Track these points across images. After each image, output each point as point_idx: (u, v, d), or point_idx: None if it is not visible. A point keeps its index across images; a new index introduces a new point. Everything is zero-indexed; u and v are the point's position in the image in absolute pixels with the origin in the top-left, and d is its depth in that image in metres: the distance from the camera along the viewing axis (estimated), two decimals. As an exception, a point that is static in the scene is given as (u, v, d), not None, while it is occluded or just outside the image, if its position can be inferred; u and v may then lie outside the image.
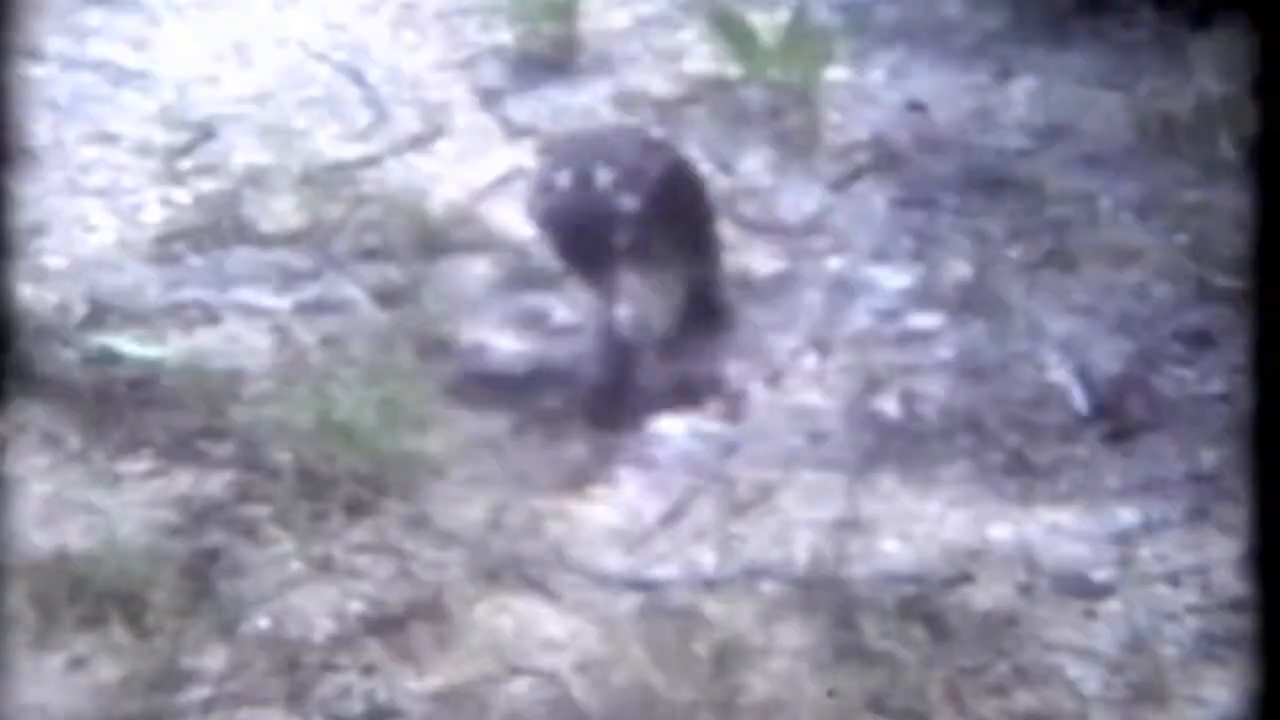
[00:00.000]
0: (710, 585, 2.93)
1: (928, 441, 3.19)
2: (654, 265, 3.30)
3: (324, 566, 2.99)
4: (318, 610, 2.92)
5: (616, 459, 3.21)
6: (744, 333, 3.48)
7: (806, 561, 2.95)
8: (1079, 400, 3.24)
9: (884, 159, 3.91)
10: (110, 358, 3.45)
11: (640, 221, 3.25)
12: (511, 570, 2.96)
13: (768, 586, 2.91)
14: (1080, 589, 2.88)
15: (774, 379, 3.36)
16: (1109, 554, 2.95)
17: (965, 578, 2.88)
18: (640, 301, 3.29)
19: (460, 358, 3.43)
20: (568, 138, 3.65)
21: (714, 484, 3.14)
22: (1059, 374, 3.31)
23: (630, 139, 3.47)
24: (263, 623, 2.90)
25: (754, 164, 3.92)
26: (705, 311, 3.43)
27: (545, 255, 3.45)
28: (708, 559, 2.99)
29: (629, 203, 3.24)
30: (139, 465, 3.21)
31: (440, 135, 4.08)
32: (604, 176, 3.24)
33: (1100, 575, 2.91)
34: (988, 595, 2.87)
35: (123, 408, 3.31)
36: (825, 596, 2.86)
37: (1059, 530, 2.99)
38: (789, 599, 2.88)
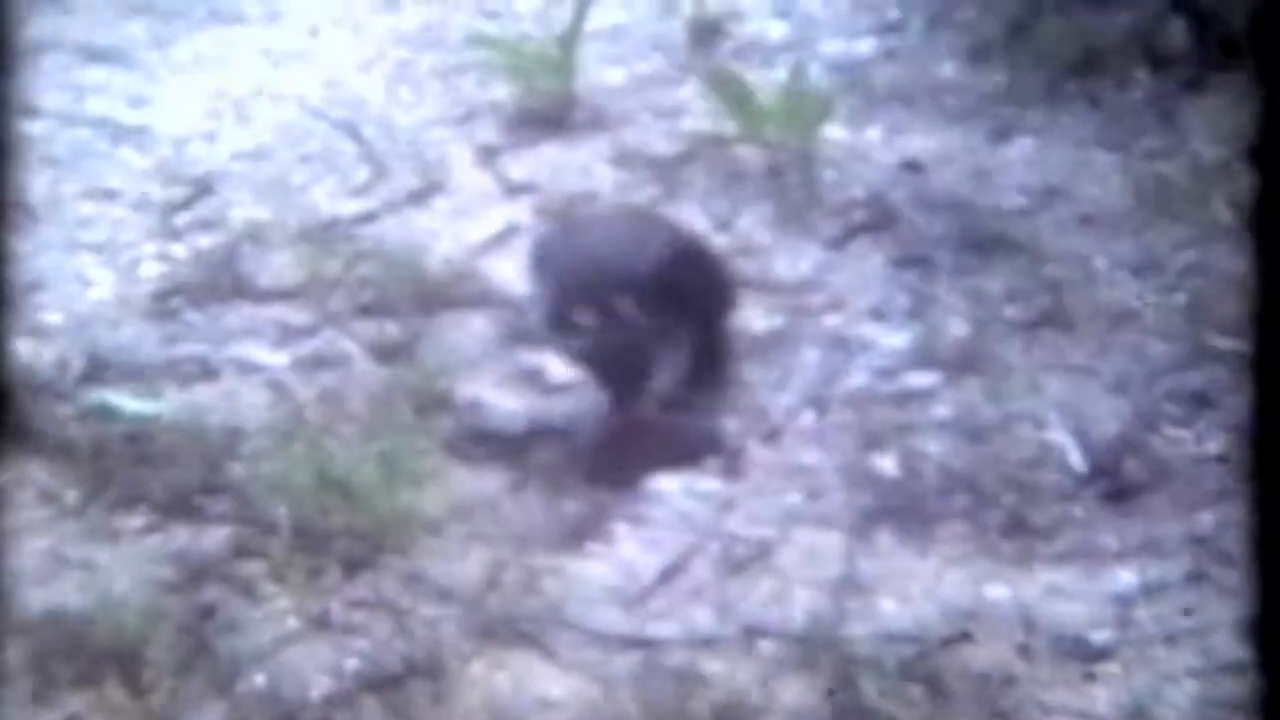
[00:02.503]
0: (709, 643, 2.92)
1: (926, 500, 3.20)
2: (667, 348, 3.33)
3: (321, 623, 2.99)
4: (314, 667, 2.91)
5: (613, 516, 3.21)
6: (741, 391, 3.48)
7: (805, 620, 2.95)
8: (1077, 460, 3.24)
9: (881, 218, 3.92)
10: (108, 413, 3.45)
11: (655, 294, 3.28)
12: (508, 627, 2.96)
13: (766, 645, 2.91)
14: (1079, 651, 2.87)
15: (771, 437, 3.37)
16: (1107, 615, 2.94)
17: (964, 637, 2.88)
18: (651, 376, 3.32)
19: (457, 414, 3.44)
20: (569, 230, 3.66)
21: (711, 541, 3.14)
22: (1057, 434, 3.31)
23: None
24: (259, 680, 2.89)
25: (751, 222, 3.94)
26: (708, 372, 3.44)
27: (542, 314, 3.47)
28: (705, 617, 2.98)
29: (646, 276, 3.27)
30: (136, 521, 3.21)
31: (438, 192, 4.10)
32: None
33: (1098, 637, 2.91)
34: (986, 656, 2.86)
35: (120, 463, 3.31)
36: (824, 656, 2.86)
37: (1057, 591, 2.99)
38: (788, 658, 2.88)
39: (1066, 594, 2.98)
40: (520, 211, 4.00)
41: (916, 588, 3.01)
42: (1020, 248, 3.79)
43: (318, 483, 3.22)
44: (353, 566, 3.08)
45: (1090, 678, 2.83)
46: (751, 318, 3.65)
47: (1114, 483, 3.19)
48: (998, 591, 3.00)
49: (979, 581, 3.02)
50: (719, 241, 3.83)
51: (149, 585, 3.06)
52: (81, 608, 2.98)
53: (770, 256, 3.84)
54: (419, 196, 4.07)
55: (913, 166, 4.09)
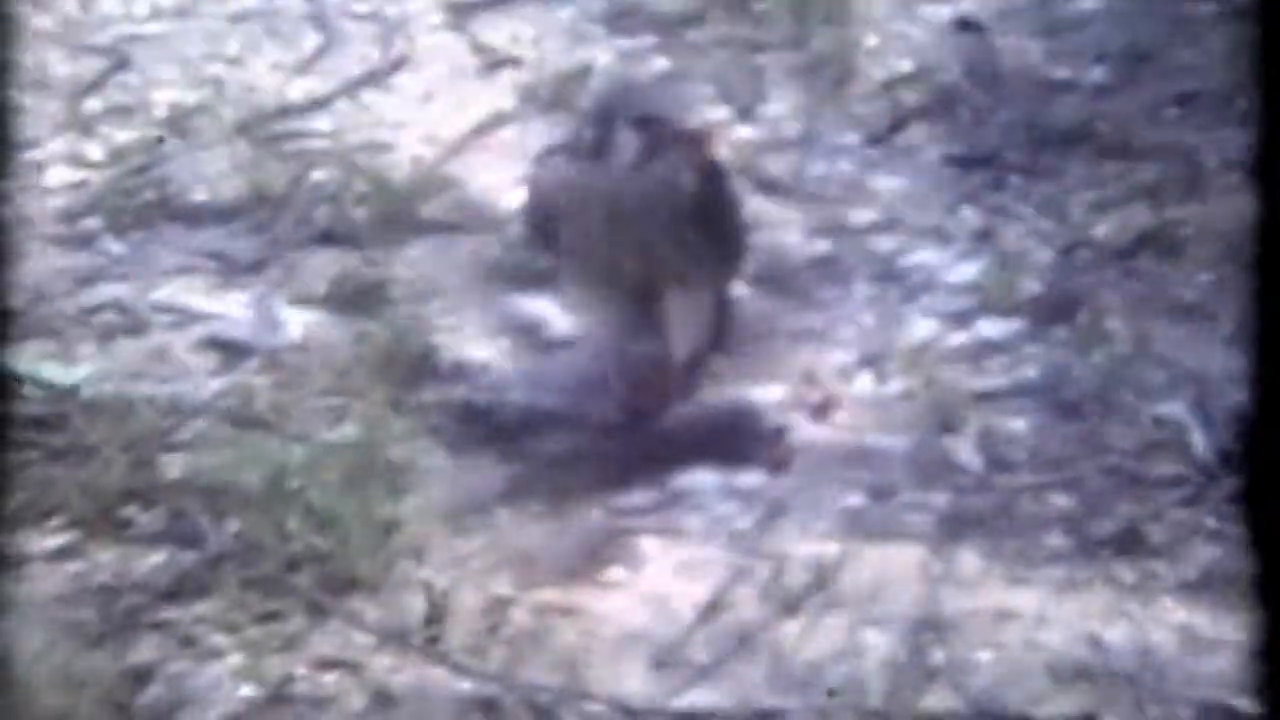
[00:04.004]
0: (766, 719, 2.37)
1: (1017, 503, 2.61)
2: (689, 279, 2.70)
3: (281, 695, 2.41)
4: (278, 760, 2.36)
5: (637, 528, 2.63)
6: (780, 345, 2.88)
7: (880, 683, 2.38)
8: (1199, 443, 2.66)
9: (933, 99, 3.29)
10: (11, 384, 2.83)
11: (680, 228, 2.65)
12: (515, 699, 2.39)
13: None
14: (1226, 724, 2.32)
15: (822, 410, 2.78)
16: (1257, 673, 2.39)
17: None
18: (677, 323, 2.70)
19: (440, 384, 2.83)
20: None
21: (758, 563, 2.56)
22: (1171, 406, 2.72)
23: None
24: (208, 783, 2.33)
25: (778, 108, 3.29)
26: (729, 327, 2.84)
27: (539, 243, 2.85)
28: (756, 677, 2.41)
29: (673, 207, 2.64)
30: (47, 541, 2.61)
31: (401, 67, 3.44)
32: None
33: (1243, 706, 2.34)
34: (1113, 739, 2.31)
35: (27, 459, 2.71)
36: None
37: (1193, 638, 2.42)
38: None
39: (1205, 642, 2.42)
40: (502, 94, 3.35)
41: (1015, 634, 2.45)
42: (1105, 140, 3.16)
43: (272, 489, 2.63)
44: (319, 611, 2.51)
45: (1246, 769, 2.30)
46: (786, 240, 3.04)
47: (1250, 475, 2.61)
48: (1118, 636, 2.44)
49: (1093, 621, 2.46)
50: (741, 134, 3.20)
51: (65, 637, 2.48)
52: (-20, 674, 2.42)
53: (802, 153, 3.21)
54: (379, 75, 3.42)
55: (968, 26, 3.43)
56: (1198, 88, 3.21)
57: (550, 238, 2.75)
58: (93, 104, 3.37)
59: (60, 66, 3.45)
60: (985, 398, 2.78)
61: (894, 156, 3.19)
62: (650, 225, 2.69)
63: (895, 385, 2.81)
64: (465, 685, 2.40)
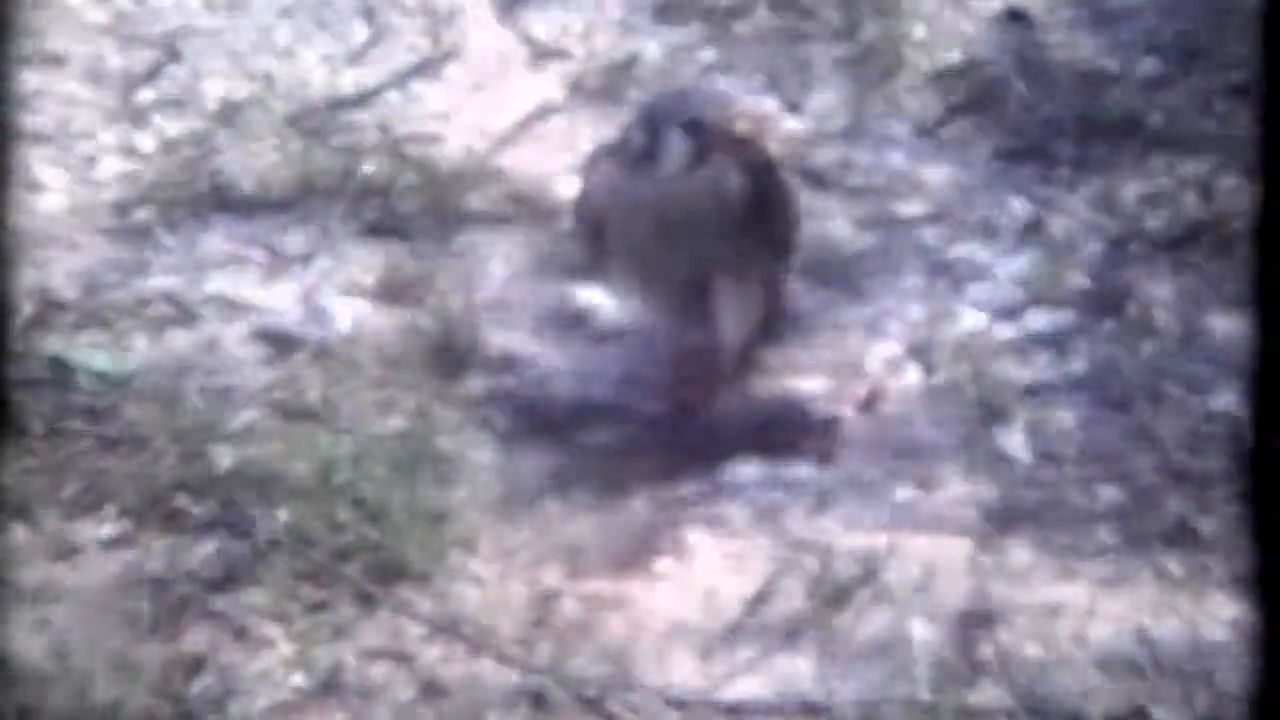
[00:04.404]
0: (813, 712, 2.37)
1: (1066, 496, 2.61)
2: (739, 272, 2.71)
3: (331, 683, 2.42)
4: (326, 749, 2.37)
5: (685, 519, 2.63)
6: (828, 336, 2.88)
7: (929, 675, 2.38)
8: (1251, 439, 2.65)
9: (983, 91, 3.26)
10: (65, 373, 2.83)
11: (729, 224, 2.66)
12: (564, 692, 2.40)
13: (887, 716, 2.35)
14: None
15: (870, 403, 2.77)
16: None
17: (1135, 715, 2.31)
18: (728, 316, 2.71)
19: (489, 374, 2.83)
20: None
21: (806, 555, 2.56)
22: (1223, 399, 2.72)
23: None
24: (259, 773, 2.35)
25: (826, 100, 3.28)
26: (779, 319, 2.84)
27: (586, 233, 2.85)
28: (804, 670, 2.41)
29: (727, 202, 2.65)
30: (100, 530, 2.62)
31: (451, 58, 3.43)
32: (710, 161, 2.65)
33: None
34: (1162, 736, 2.30)
35: (80, 448, 2.72)
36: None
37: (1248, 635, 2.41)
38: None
39: (1255, 636, 2.41)
40: (550, 85, 3.35)
41: (1064, 627, 2.44)
42: (1157, 132, 3.15)
43: (322, 480, 2.64)
44: (368, 600, 2.52)
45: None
46: (834, 232, 3.04)
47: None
48: (1168, 630, 2.43)
49: (1142, 615, 2.45)
50: (789, 127, 3.20)
51: (117, 626, 2.50)
52: (29, 659, 2.43)
53: (850, 145, 3.20)
54: (429, 65, 3.42)
55: (1017, 17, 3.42)
56: (1248, 79, 3.19)
57: (601, 237, 2.76)
58: (145, 96, 3.39)
59: (113, 58, 3.46)
60: (1033, 390, 2.77)
61: (942, 149, 3.18)
62: (700, 222, 2.70)
63: (943, 377, 2.80)
64: (513, 676, 2.43)
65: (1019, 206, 3.06)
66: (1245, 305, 2.84)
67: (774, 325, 2.84)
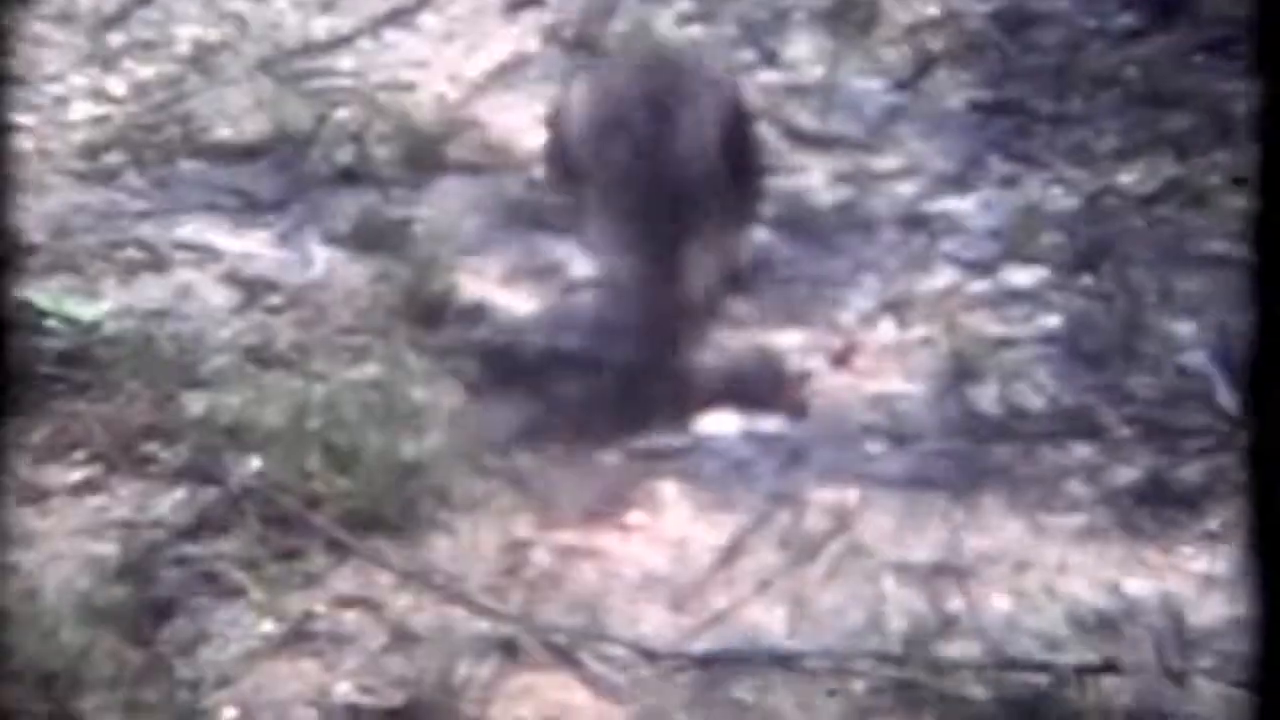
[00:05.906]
0: (782, 663, 2.36)
1: (1038, 450, 2.61)
2: (709, 222, 2.70)
3: (302, 631, 2.41)
4: (295, 695, 2.34)
5: (657, 472, 2.63)
6: (802, 290, 2.87)
7: (899, 628, 2.38)
8: (1225, 396, 2.65)
9: (960, 44, 3.26)
10: (36, 318, 2.82)
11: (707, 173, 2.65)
12: (534, 640, 2.40)
13: (851, 667, 2.34)
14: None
15: (843, 357, 2.77)
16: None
17: (1106, 668, 2.31)
18: (698, 266, 2.69)
19: (461, 323, 2.82)
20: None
21: (778, 509, 2.56)
22: (1197, 356, 2.71)
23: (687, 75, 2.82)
24: (228, 716, 2.34)
25: (802, 50, 3.27)
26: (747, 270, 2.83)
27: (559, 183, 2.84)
28: (775, 623, 2.41)
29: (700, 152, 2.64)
30: (69, 475, 2.62)
31: (425, 5, 3.41)
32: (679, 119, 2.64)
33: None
34: (1134, 690, 2.30)
35: (51, 393, 2.71)
36: (924, 691, 2.29)
37: (1216, 587, 2.41)
38: (881, 688, 2.32)
39: (1231, 591, 2.41)
40: (526, 36, 3.33)
41: (1035, 580, 2.44)
42: (1132, 87, 3.14)
43: (293, 427, 2.63)
44: (340, 549, 2.51)
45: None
46: (810, 186, 3.03)
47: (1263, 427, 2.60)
48: (1140, 586, 2.43)
49: (1114, 570, 2.46)
50: (765, 79, 3.19)
51: (86, 571, 2.48)
52: None
53: (827, 99, 3.19)
54: (403, 12, 3.40)
55: (995, -29, 3.41)
56: (1227, 35, 3.19)
57: (571, 180, 2.76)
58: (116, 38, 3.36)
59: (83, 1, 3.44)
60: (1008, 345, 2.77)
61: (919, 102, 3.17)
62: (671, 170, 2.69)
63: (917, 332, 2.80)
64: (484, 625, 2.42)
65: (995, 161, 3.05)
66: (1219, 263, 2.85)
67: (742, 275, 2.84)
